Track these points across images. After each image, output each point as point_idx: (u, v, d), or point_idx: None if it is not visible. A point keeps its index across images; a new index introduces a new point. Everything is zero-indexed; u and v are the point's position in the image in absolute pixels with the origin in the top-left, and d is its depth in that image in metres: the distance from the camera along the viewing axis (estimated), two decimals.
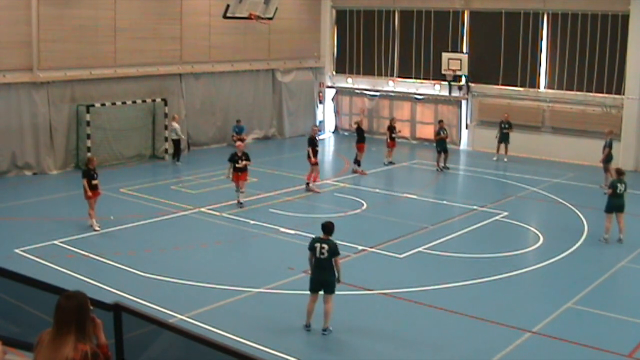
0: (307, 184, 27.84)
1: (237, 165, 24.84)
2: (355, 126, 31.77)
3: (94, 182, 21.92)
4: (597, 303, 17.06)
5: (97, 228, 21.90)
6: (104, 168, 28.61)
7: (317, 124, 39.80)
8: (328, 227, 15.06)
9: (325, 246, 14.76)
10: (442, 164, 32.01)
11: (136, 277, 18.15)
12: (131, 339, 6.41)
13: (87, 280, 17.44)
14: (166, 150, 33.42)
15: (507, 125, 33.90)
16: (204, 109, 36.14)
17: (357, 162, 31.05)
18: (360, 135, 31.10)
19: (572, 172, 31.73)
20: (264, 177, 29.18)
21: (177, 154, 32.53)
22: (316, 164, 27.85)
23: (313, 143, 27.81)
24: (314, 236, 15.43)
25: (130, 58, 32.20)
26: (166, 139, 32.83)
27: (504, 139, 33.94)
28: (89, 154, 27.99)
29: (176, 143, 32.43)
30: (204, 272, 18.64)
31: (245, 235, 22.21)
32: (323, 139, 39.37)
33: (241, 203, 24.87)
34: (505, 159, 33.74)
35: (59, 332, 5.87)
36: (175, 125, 32.13)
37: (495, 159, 34.05)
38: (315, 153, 27.67)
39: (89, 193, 21.82)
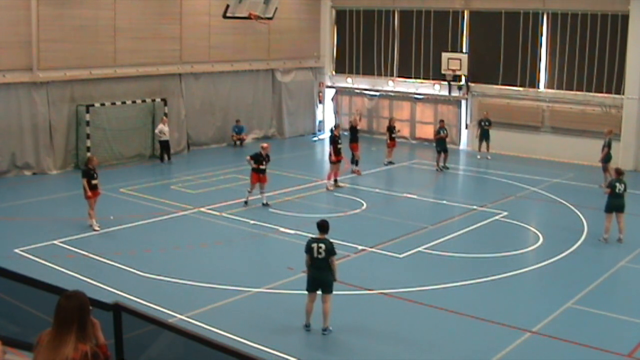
0: (335, 180, 28.12)
1: (261, 167, 24.86)
2: (349, 125, 31.51)
3: (94, 181, 21.92)
4: (597, 303, 17.06)
5: (97, 228, 21.91)
6: (104, 168, 28.60)
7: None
8: (323, 226, 15.08)
9: (322, 246, 14.77)
10: (441, 164, 32.00)
11: (136, 277, 18.15)
12: (131, 338, 6.42)
13: (87, 280, 17.45)
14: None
15: (487, 123, 34.14)
16: (204, 109, 36.14)
17: (355, 161, 30.99)
18: (353, 135, 30.94)
19: (572, 172, 31.73)
20: None
21: (167, 153, 32.51)
22: (338, 162, 27.98)
23: (335, 142, 27.89)
24: (311, 236, 15.44)
25: (130, 58, 32.21)
26: (160, 141, 32.60)
27: (485, 136, 34.17)
28: (89, 154, 27.99)
29: (164, 144, 32.40)
30: (204, 272, 18.64)
31: (245, 235, 22.20)
32: (322, 139, 39.40)
33: (267, 203, 25.08)
34: (489, 157, 34.14)
35: (59, 332, 5.87)
36: (163, 127, 32.04)
37: (479, 157, 34.31)
38: (337, 152, 27.78)
39: (89, 193, 21.83)
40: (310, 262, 14.96)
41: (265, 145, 25.93)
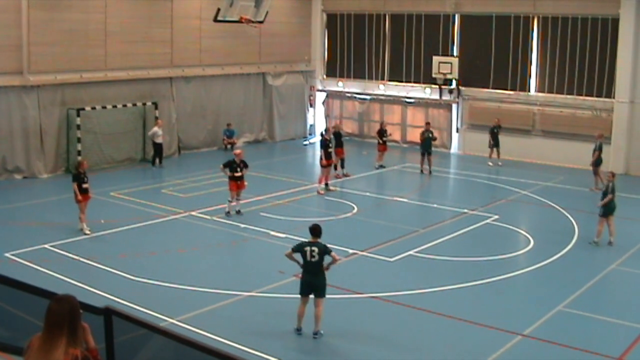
0: (326, 184, 28.13)
1: (235, 174, 24.42)
2: (332, 130, 31.18)
3: (85, 185, 21.89)
4: (587, 306, 17.09)
5: (88, 232, 21.85)
6: (95, 172, 28.56)
7: (310, 127, 40.02)
8: (316, 230, 15.05)
9: (315, 249, 14.75)
10: (425, 166, 31.82)
11: (127, 280, 18.11)
12: (122, 343, 6.40)
13: (78, 284, 17.40)
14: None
15: (498, 129, 33.88)
16: (195, 113, 36.09)
17: (342, 165, 30.93)
18: (338, 140, 30.55)
19: (563, 175, 31.80)
20: (254, 181, 29.06)
21: (159, 157, 32.50)
22: (328, 165, 28.00)
23: (326, 145, 27.88)
24: (303, 240, 15.42)
25: (120, 61, 32.15)
26: (154, 144, 32.48)
27: (496, 142, 33.91)
28: (79, 158, 27.93)
29: (158, 146, 32.39)
30: (195, 275, 18.60)
31: (236, 239, 22.19)
32: (313, 143, 39.39)
33: (239, 211, 24.60)
34: (500, 163, 33.75)
35: (49, 336, 5.85)
36: (157, 129, 31.99)
37: (491, 164, 33.88)
38: (327, 155, 27.80)
39: (79, 197, 21.78)
40: (303, 266, 14.95)
41: (238, 151, 25.46)
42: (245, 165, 24.77)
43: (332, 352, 14.73)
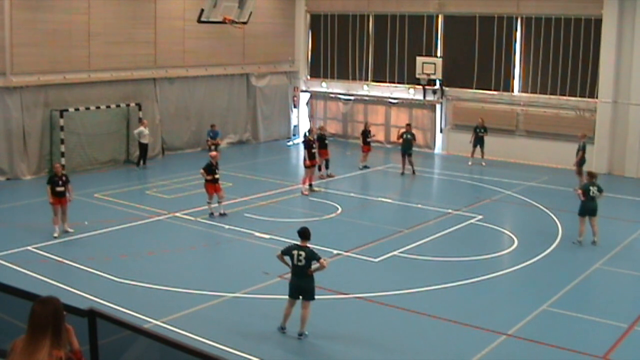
0: (310, 185, 28.06)
1: (215, 177, 24.35)
2: (317, 133, 30.98)
3: (58, 189, 21.53)
4: (571, 305, 17.15)
5: (56, 235, 21.59)
6: (78, 173, 28.45)
7: (295, 127, 40.00)
8: (304, 233, 15.01)
9: (302, 253, 14.71)
10: (407, 166, 31.76)
11: (111, 282, 18.04)
12: (106, 344, 6.37)
13: (61, 286, 17.33)
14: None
15: (482, 130, 33.92)
16: (179, 114, 35.99)
17: (327, 166, 30.92)
18: (322, 143, 30.52)
19: (546, 175, 31.89)
20: (238, 182, 29.14)
21: (144, 157, 32.43)
22: (312, 166, 27.98)
23: (309, 146, 27.85)
24: (290, 242, 15.39)
25: (104, 62, 32.03)
26: (140, 144, 32.40)
27: (479, 143, 33.99)
28: (63, 160, 27.77)
29: (143, 146, 32.30)
30: (179, 277, 18.56)
31: (220, 240, 22.14)
32: (297, 143, 39.37)
33: (224, 213, 24.48)
34: (483, 163, 33.76)
35: (33, 338, 5.82)
36: (143, 129, 31.93)
37: (470, 163, 34.07)
38: (311, 156, 27.77)
39: (51, 199, 21.54)
40: (291, 269, 14.95)
41: (213, 153, 25.44)
42: (218, 167, 24.83)
43: (316, 353, 14.72)
